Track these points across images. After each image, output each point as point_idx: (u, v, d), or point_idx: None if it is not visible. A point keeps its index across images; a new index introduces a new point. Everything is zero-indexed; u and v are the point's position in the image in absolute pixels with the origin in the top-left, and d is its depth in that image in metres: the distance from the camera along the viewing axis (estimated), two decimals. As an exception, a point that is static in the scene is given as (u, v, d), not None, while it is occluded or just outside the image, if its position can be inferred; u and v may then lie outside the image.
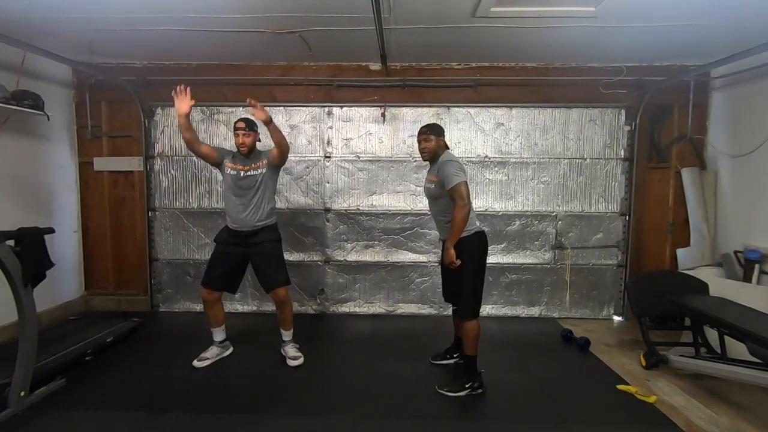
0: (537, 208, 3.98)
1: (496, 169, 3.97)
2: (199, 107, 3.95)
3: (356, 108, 3.95)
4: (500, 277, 4.01)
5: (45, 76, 3.59)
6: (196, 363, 2.89)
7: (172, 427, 2.22)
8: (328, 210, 4.02)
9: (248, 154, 2.84)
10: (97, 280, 4.14)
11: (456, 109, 3.93)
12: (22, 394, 2.29)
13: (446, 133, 2.73)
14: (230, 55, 3.69)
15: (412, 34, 3.10)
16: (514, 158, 3.96)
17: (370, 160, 3.98)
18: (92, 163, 3.99)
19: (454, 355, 2.95)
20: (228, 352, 3.07)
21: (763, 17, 2.66)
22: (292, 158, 3.72)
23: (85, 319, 3.70)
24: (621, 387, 2.65)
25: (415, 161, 3.93)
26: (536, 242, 4.00)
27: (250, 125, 2.81)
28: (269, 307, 3.98)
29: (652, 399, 2.50)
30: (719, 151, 3.76)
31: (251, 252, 2.85)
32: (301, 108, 3.96)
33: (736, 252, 3.45)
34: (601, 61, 3.76)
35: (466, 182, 2.43)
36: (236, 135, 2.79)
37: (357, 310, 4.07)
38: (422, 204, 3.88)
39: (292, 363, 2.92)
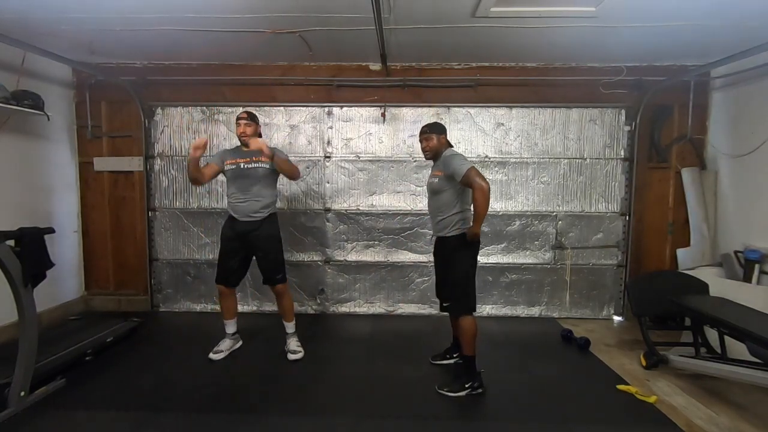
0: (537, 208, 3.98)
1: (496, 169, 3.97)
2: (199, 107, 3.96)
3: (356, 108, 3.95)
4: (500, 277, 4.01)
5: (45, 76, 3.60)
6: (212, 355, 3.00)
7: (172, 427, 2.22)
8: (328, 210, 4.02)
9: (248, 144, 2.91)
10: (97, 280, 4.14)
11: (456, 109, 3.93)
12: (22, 394, 2.29)
13: (447, 133, 2.73)
14: (230, 55, 3.69)
15: (412, 34, 3.10)
16: (514, 158, 3.96)
17: (370, 160, 3.98)
18: (92, 163, 3.99)
19: (454, 355, 2.95)
20: (239, 345, 3.20)
21: (763, 17, 2.66)
22: (293, 158, 3.71)
23: (85, 319, 3.70)
24: (621, 387, 2.65)
25: (415, 161, 3.93)
26: (536, 242, 4.00)
27: (252, 117, 2.94)
28: (269, 307, 4.00)
29: (652, 399, 2.50)
30: (719, 151, 3.76)
31: (253, 246, 2.96)
32: (301, 108, 3.96)
33: (736, 252, 3.45)
34: (601, 61, 3.76)
35: (475, 166, 2.40)
36: (238, 125, 2.91)
37: (357, 310, 4.07)
38: (422, 204, 3.88)
39: (291, 357, 3.00)
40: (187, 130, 3.99)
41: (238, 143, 2.98)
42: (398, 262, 4.04)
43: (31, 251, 2.34)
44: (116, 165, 4.00)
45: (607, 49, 3.43)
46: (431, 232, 3.91)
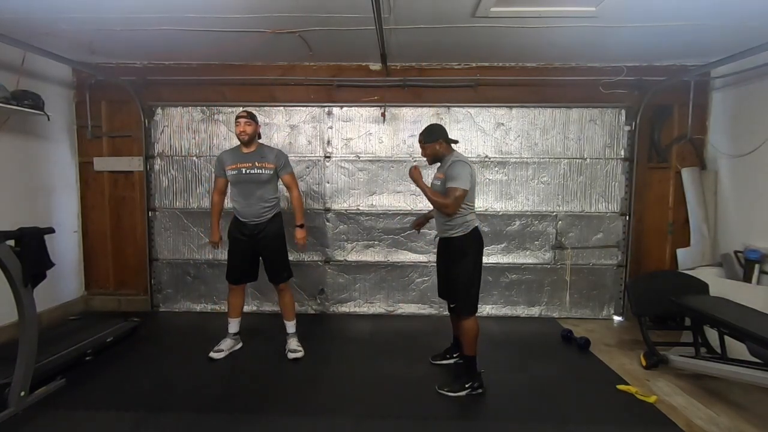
0: (537, 208, 3.98)
1: (496, 169, 3.97)
2: (199, 107, 3.96)
3: (356, 108, 3.95)
4: (500, 277, 4.01)
5: (45, 76, 3.59)
6: (212, 354, 3.00)
7: (172, 427, 2.22)
8: (328, 210, 4.02)
9: (248, 143, 2.92)
10: (97, 280, 4.14)
11: (456, 109, 3.93)
12: (22, 394, 2.29)
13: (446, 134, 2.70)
14: (230, 55, 3.69)
15: (412, 34, 3.10)
16: (514, 158, 3.96)
17: (370, 160, 3.98)
18: (92, 163, 3.99)
19: (454, 355, 2.95)
20: (239, 346, 3.19)
21: (763, 17, 2.66)
22: (293, 158, 3.71)
23: (85, 319, 3.69)
24: (621, 387, 2.65)
25: (415, 161, 3.93)
26: (536, 242, 4.00)
27: (252, 116, 2.94)
28: (269, 307, 4.00)
29: (652, 399, 2.50)
30: (719, 151, 3.76)
31: (259, 246, 3.01)
32: (301, 108, 3.96)
33: (736, 252, 3.45)
34: (601, 61, 3.76)
35: (466, 191, 2.42)
36: (237, 124, 2.90)
37: (357, 310, 4.07)
38: (422, 204, 3.88)
39: (290, 356, 3.02)
40: (187, 130, 3.99)
41: (238, 143, 2.98)
42: (398, 262, 4.03)
43: (31, 251, 2.33)
44: (116, 165, 4.00)
45: (607, 49, 3.43)
46: (431, 232, 3.94)
